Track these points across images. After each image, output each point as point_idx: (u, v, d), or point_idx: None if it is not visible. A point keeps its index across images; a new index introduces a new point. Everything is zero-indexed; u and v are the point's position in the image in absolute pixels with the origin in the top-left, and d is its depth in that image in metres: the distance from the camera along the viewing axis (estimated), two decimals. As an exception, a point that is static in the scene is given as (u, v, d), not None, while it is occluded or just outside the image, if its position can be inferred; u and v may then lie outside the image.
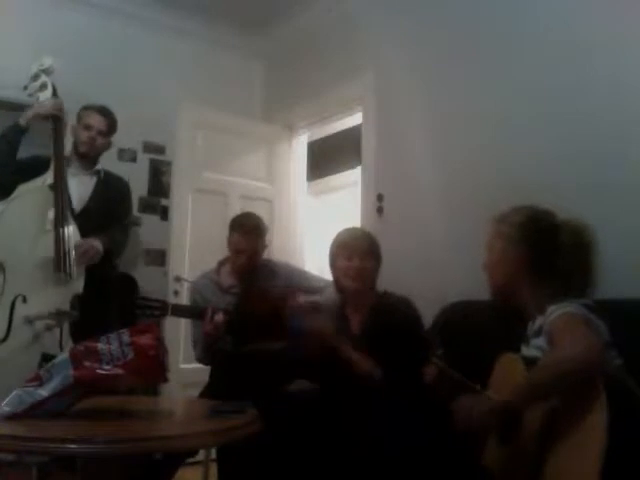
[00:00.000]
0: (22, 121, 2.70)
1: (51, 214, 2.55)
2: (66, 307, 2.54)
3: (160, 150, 4.01)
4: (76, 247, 2.60)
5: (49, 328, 2.46)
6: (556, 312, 1.53)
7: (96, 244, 2.71)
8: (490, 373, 1.75)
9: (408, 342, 1.97)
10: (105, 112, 2.97)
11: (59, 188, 2.59)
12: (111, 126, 2.99)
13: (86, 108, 2.96)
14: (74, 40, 3.64)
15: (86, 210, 2.87)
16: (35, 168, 2.70)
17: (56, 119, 2.69)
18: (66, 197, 2.61)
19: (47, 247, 2.52)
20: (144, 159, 3.96)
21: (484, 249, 1.83)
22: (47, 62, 2.74)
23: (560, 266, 1.69)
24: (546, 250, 1.71)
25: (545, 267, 1.70)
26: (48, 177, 2.65)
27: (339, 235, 2.34)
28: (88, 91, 3.18)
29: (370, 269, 2.25)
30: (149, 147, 3.97)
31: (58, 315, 2.46)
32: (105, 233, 2.81)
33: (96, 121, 2.92)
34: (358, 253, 2.24)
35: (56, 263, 2.52)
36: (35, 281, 2.51)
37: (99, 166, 3.01)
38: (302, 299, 2.57)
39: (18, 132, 2.71)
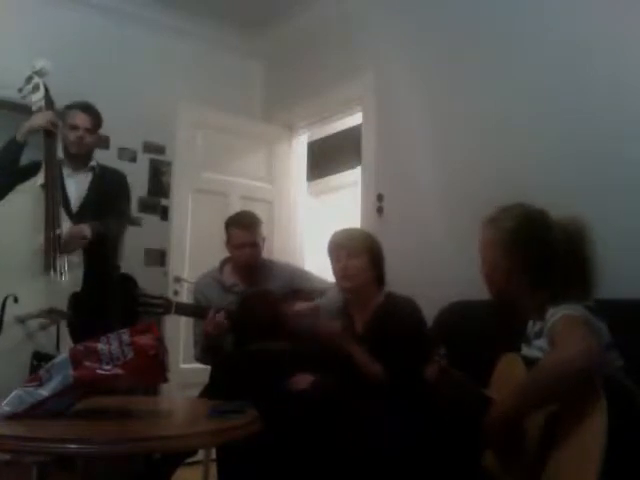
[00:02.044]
0: (19, 136, 2.70)
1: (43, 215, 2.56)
2: (62, 306, 2.53)
3: (160, 150, 4.01)
4: (65, 234, 2.59)
5: (43, 327, 2.46)
6: (556, 314, 1.51)
7: (84, 228, 2.70)
8: (491, 372, 1.75)
9: (412, 343, 1.97)
10: (88, 109, 2.93)
11: (49, 190, 2.59)
12: (96, 123, 2.96)
13: (69, 107, 2.93)
14: (74, 40, 3.64)
15: (84, 207, 2.88)
16: (34, 172, 2.71)
17: (48, 132, 2.69)
18: (58, 197, 2.62)
19: (38, 247, 2.52)
20: (144, 159, 3.96)
21: (478, 253, 1.81)
22: (39, 64, 2.74)
23: (557, 266, 1.65)
24: (541, 252, 1.67)
25: (542, 269, 1.67)
26: (39, 178, 2.66)
27: (331, 237, 2.35)
28: (88, 91, 3.16)
29: (358, 267, 2.23)
30: (149, 147, 3.98)
31: (50, 313, 2.46)
32: (100, 222, 2.80)
33: (81, 120, 2.90)
34: (345, 252, 2.24)
35: (46, 262, 2.52)
36: (27, 281, 2.52)
37: (94, 162, 2.99)
38: (300, 306, 2.56)
39: (18, 147, 2.71)
